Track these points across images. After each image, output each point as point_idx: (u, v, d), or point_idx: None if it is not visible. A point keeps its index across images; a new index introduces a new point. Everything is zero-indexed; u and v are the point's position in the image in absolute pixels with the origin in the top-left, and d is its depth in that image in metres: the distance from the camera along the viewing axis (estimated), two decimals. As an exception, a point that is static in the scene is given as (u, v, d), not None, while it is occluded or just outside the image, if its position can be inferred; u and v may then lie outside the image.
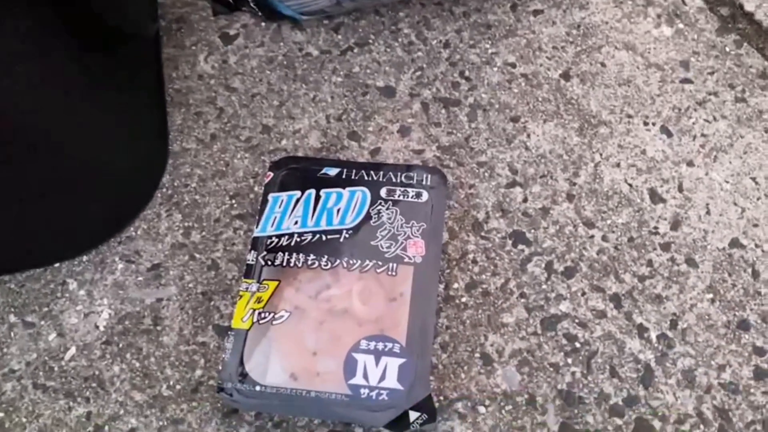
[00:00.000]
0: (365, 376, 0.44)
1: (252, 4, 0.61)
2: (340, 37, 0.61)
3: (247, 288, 0.47)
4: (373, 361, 0.44)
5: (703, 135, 0.55)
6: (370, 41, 0.60)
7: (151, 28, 0.55)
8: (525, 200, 0.53)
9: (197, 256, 0.52)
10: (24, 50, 0.43)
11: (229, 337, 0.45)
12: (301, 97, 0.58)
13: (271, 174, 0.51)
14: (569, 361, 0.47)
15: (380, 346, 0.45)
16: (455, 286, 0.50)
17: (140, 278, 0.51)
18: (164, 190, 0.54)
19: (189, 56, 0.60)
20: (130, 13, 0.52)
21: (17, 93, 0.43)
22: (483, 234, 0.52)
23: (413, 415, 0.43)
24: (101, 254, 0.52)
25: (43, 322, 0.50)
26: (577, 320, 0.48)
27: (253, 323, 0.46)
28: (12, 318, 0.50)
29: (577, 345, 0.48)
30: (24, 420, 0.46)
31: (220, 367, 0.45)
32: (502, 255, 0.51)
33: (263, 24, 0.62)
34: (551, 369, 0.47)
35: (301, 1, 0.59)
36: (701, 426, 0.45)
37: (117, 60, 0.53)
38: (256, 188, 0.54)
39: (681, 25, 0.60)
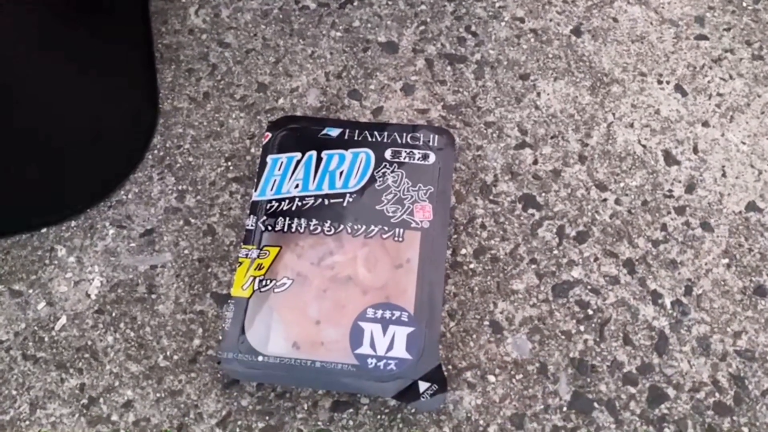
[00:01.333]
0: (372, 346, 0.42)
1: (245, -46, 0.57)
2: (338, -11, 0.58)
3: (246, 254, 0.45)
4: (380, 330, 0.42)
5: (718, 94, 0.53)
6: (371, -6, 0.57)
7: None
8: (535, 162, 0.50)
9: (192, 221, 0.49)
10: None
11: (229, 306, 0.43)
12: (298, 54, 0.55)
13: (269, 134, 0.49)
14: (581, 328, 0.46)
15: (387, 314, 0.43)
16: (463, 251, 0.48)
17: (133, 244, 0.48)
18: (156, 151, 0.51)
19: (179, 9, 0.57)
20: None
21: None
22: (491, 197, 0.49)
23: (423, 386, 0.41)
24: (90, 219, 0.49)
25: (31, 291, 0.47)
26: (589, 287, 0.47)
27: (254, 291, 0.43)
28: (-2, 286, 0.47)
29: (590, 312, 0.46)
30: (14, 392, 0.44)
31: (220, 337, 0.43)
32: (512, 219, 0.49)
33: (257, -25, 0.58)
34: (563, 337, 0.45)
35: (297, -49, 0.56)
36: (716, 394, 0.44)
37: (101, 12, 0.50)
38: (252, 150, 0.51)
39: (696, -21, 0.58)
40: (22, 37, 0.42)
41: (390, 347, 0.42)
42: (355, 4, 0.57)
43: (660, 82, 0.54)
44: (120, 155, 0.50)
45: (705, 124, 0.52)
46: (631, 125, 0.52)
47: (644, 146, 0.51)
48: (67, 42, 0.46)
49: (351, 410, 0.44)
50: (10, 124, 0.44)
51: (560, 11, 0.56)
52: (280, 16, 0.57)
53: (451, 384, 0.44)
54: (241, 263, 0.44)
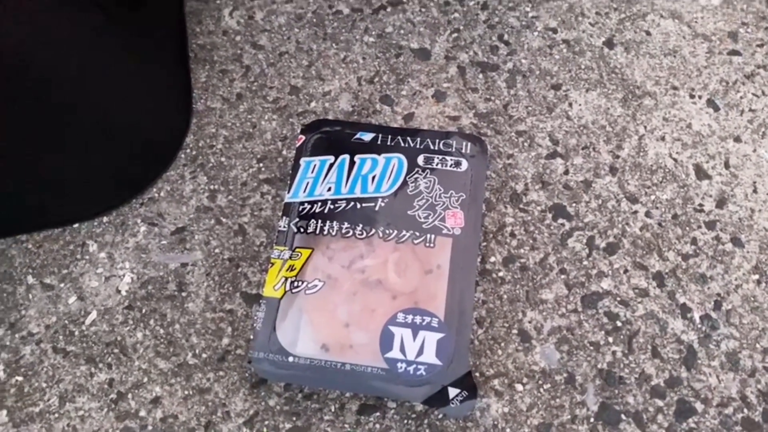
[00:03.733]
0: (402, 350, 0.42)
1: (280, -43, 0.58)
2: (372, -5, 0.58)
3: (279, 255, 0.45)
4: (411, 334, 0.42)
5: (751, 110, 0.53)
6: (404, 0, 0.58)
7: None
8: (566, 172, 0.51)
9: (224, 220, 0.50)
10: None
11: (260, 306, 0.43)
12: (331, 58, 0.56)
13: (303, 137, 0.49)
14: (610, 340, 0.45)
15: (418, 319, 0.43)
16: (492, 259, 0.48)
17: (164, 242, 0.49)
18: (188, 150, 0.52)
19: (213, 10, 0.58)
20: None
21: (42, 42, 0.41)
22: (522, 206, 0.50)
23: (453, 392, 0.41)
24: (122, 216, 0.50)
25: (62, 285, 0.48)
26: (618, 298, 0.47)
27: (285, 292, 0.44)
28: (30, 279, 0.48)
29: (619, 324, 0.46)
30: (44, 385, 0.45)
31: (251, 336, 0.43)
32: (542, 229, 0.49)
33: (291, -21, 0.59)
34: (591, 348, 0.45)
35: (332, -44, 0.56)
36: (745, 410, 0.44)
37: (139, 11, 0.50)
38: (284, 152, 0.52)
39: (730, -6, 0.58)
40: (74, 37, 0.43)
41: (420, 352, 0.42)
42: (389, 10, 0.57)
43: (692, 96, 0.54)
44: (153, 153, 0.51)
45: (737, 139, 0.52)
46: (663, 138, 0.52)
47: (675, 160, 0.51)
48: (106, 38, 0.47)
49: (378, 414, 0.44)
50: (54, 120, 0.44)
51: (593, 23, 0.56)
52: (314, 20, 0.57)
53: (479, 391, 0.44)
54: (273, 264, 0.45)
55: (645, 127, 0.52)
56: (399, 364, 0.42)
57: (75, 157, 0.48)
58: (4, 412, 0.44)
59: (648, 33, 0.56)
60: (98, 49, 0.46)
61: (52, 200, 0.49)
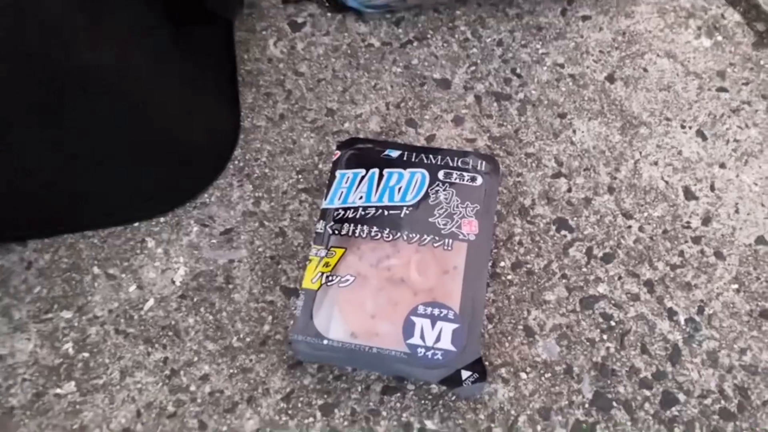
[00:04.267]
0: (422, 337, 0.48)
1: (319, -5, 0.66)
2: (400, 30, 0.65)
3: (316, 253, 0.52)
4: (430, 324, 0.49)
5: (735, 140, 0.60)
6: (429, 36, 0.65)
7: (239, 12, 0.60)
8: (569, 190, 0.57)
9: (266, 223, 0.56)
10: (133, 25, 0.48)
11: (300, 296, 0.50)
12: (363, 85, 0.63)
13: (339, 153, 0.56)
14: (604, 337, 0.52)
15: (436, 311, 0.49)
16: (502, 264, 0.54)
17: (213, 241, 0.56)
18: (236, 162, 0.59)
19: (260, 40, 0.65)
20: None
21: (128, 64, 0.48)
22: (529, 219, 0.56)
23: (465, 374, 0.47)
24: (177, 217, 0.57)
25: (123, 275, 0.54)
26: (613, 301, 0.53)
27: (321, 284, 0.50)
28: (95, 269, 0.55)
29: (612, 323, 0.52)
30: (107, 361, 0.51)
31: (291, 322, 0.50)
32: (546, 239, 0.55)
33: (329, 14, 0.66)
34: (588, 343, 0.51)
35: (366, -5, 0.64)
36: (722, 401, 0.49)
37: (200, 38, 0.58)
38: (320, 165, 0.59)
39: (719, 38, 0.65)
40: (150, 61, 0.50)
41: (437, 340, 0.48)
42: (415, 44, 0.65)
43: (683, 127, 0.60)
44: (206, 164, 0.58)
45: (722, 165, 0.58)
46: (656, 163, 0.58)
47: (666, 182, 0.58)
48: (173, 61, 0.54)
49: (398, 394, 0.50)
50: (128, 136, 0.52)
51: (596, 60, 0.63)
52: (348, 52, 0.64)
53: (488, 378, 0.50)
54: (310, 260, 0.51)
55: (640, 152, 0.59)
56: (419, 349, 0.48)
57: (140, 166, 0.55)
58: (73, 383, 0.50)
59: (645, 70, 0.63)
60: (165, 74, 0.53)
61: (118, 202, 0.56)
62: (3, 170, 0.49)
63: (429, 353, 0.48)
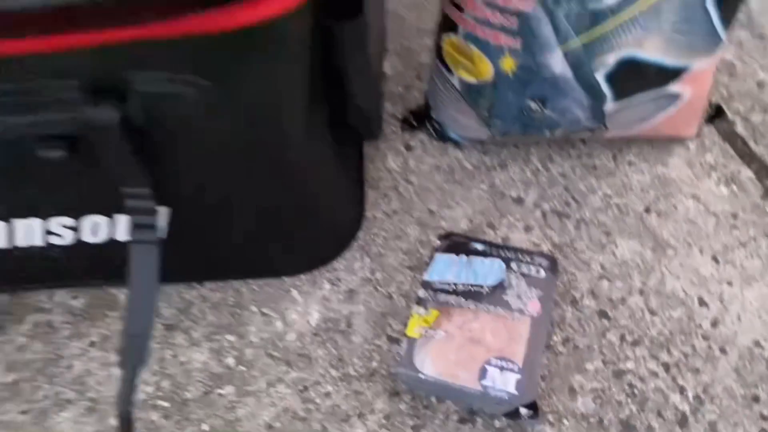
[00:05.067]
0: (493, 381, 0.66)
1: (429, 127, 0.88)
2: (487, 158, 0.86)
3: (417, 311, 0.70)
4: (499, 372, 0.66)
5: (742, 266, 0.77)
6: (509, 164, 0.86)
7: (378, 135, 0.82)
8: (609, 290, 0.75)
9: (379, 288, 0.76)
10: (313, 129, 0.70)
11: (403, 341, 0.68)
12: (456, 195, 0.83)
13: (439, 242, 0.76)
14: (629, 401, 0.68)
15: (504, 364, 0.67)
16: (555, 339, 0.72)
17: (340, 296, 0.75)
18: (359, 241, 0.79)
19: (382, 155, 0.87)
20: (376, 118, 0.79)
21: (308, 161, 0.69)
22: (577, 308, 0.74)
23: (523, 411, 0.64)
24: (314, 276, 0.76)
25: (273, 314, 0.74)
26: (637, 375, 0.69)
27: (420, 335, 0.69)
28: (253, 307, 0.74)
29: (636, 392, 0.68)
30: (257, 374, 0.70)
31: (397, 359, 0.68)
32: (590, 324, 0.73)
33: (434, 142, 0.88)
34: (616, 404, 0.68)
35: (463, 131, 0.86)
36: (718, 460, 0.65)
37: (349, 145, 0.80)
38: (421, 250, 0.78)
39: (734, 188, 0.84)
40: (326, 162, 0.71)
41: (504, 384, 0.65)
42: (498, 169, 0.85)
43: (701, 252, 0.78)
44: (339, 240, 0.78)
45: (729, 284, 0.76)
46: (678, 277, 0.76)
47: (685, 292, 0.75)
48: (332, 156, 0.74)
49: (470, 424, 0.67)
50: (293, 215, 0.72)
51: (637, 195, 0.83)
52: (447, 170, 0.85)
53: (539, 417, 0.66)
54: (413, 316, 0.70)
55: (666, 268, 0.77)
56: (490, 389, 0.65)
57: (297, 238, 0.75)
58: (232, 387, 0.69)
59: (675, 207, 0.82)
60: (328, 175, 0.74)
61: (274, 262, 0.76)
62: (213, 235, 0.69)
63: (497, 393, 0.65)
